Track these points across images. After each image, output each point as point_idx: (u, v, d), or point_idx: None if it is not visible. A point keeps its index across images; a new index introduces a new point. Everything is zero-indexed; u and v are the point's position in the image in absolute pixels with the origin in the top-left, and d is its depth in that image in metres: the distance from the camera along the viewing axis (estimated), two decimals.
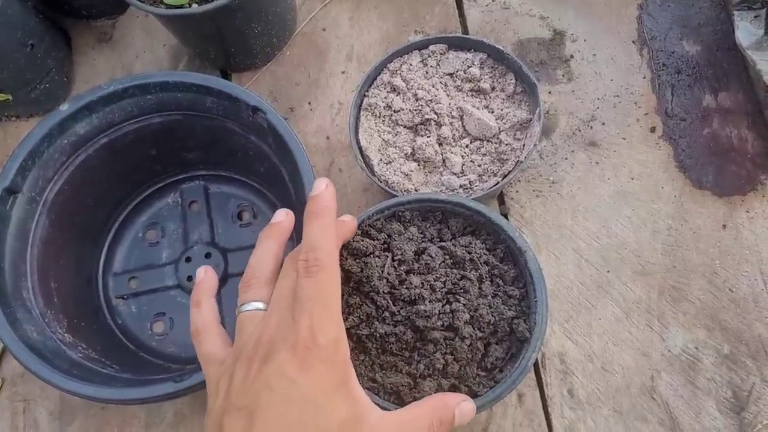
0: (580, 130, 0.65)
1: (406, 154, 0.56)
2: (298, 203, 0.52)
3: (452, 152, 0.55)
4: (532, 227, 0.61)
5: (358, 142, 0.56)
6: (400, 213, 0.49)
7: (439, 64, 0.58)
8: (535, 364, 0.57)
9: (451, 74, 0.58)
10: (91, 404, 0.60)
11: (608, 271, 0.59)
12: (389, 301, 0.45)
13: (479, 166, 0.55)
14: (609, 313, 0.58)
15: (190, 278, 0.61)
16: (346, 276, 0.46)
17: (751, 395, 0.54)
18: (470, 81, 0.57)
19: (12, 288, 0.51)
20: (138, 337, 0.60)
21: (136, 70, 0.72)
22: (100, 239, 0.63)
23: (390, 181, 0.55)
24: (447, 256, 0.47)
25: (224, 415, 0.36)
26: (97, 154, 0.57)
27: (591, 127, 0.65)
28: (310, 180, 0.50)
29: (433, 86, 0.57)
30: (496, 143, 0.55)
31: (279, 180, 0.55)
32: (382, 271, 0.46)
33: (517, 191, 0.63)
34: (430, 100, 0.56)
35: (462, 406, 0.41)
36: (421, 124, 0.56)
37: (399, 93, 0.57)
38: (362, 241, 0.47)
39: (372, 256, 0.47)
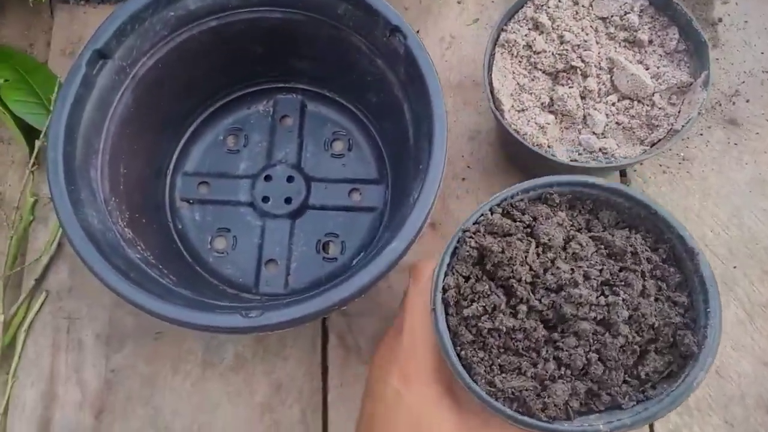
0: (720, 105, 0.57)
1: (542, 104, 0.49)
2: (415, 149, 0.45)
3: (596, 109, 0.48)
4: None
5: (490, 82, 0.49)
6: (548, 195, 0.41)
7: (592, 5, 0.50)
8: None
9: (604, 18, 0.50)
10: (143, 332, 0.54)
11: (735, 267, 0.53)
12: (529, 292, 0.38)
13: (625, 129, 0.48)
14: (731, 314, 0.52)
15: (266, 199, 0.54)
16: (480, 255, 0.39)
17: None
18: (626, 30, 0.49)
19: (80, 162, 0.44)
20: (196, 249, 0.54)
21: None
22: (179, 132, 0.56)
23: (522, 131, 0.48)
24: (602, 246, 0.40)
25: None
26: (201, 37, 0.50)
27: (733, 103, 0.57)
28: (443, 131, 0.43)
29: (583, 30, 0.49)
30: (648, 105, 0.48)
31: (394, 116, 0.48)
32: (526, 257, 0.38)
33: (641, 163, 0.56)
34: (578, 46, 0.48)
35: None
36: (564, 71, 0.49)
37: (542, 32, 0.49)
38: (503, 220, 0.40)
39: (514, 237, 0.39)
